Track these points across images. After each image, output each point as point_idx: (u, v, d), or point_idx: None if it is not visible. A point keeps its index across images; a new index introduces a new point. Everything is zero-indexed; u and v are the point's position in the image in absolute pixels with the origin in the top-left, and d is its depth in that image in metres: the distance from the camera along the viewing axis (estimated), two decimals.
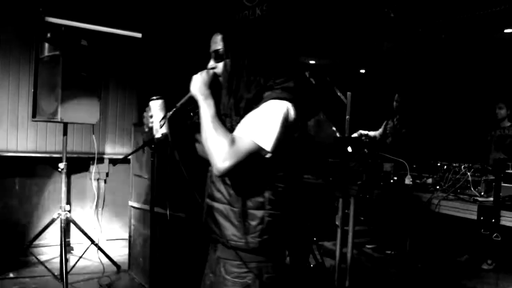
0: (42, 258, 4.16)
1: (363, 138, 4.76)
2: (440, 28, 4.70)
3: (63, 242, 3.55)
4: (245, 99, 1.49)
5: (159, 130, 1.57)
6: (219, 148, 1.40)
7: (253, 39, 1.57)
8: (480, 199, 2.75)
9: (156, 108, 1.58)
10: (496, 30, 4.68)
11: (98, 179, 4.71)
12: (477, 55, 5.41)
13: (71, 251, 4.43)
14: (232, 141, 1.41)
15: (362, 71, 7.08)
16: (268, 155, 1.45)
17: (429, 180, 3.22)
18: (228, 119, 1.53)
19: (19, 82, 4.38)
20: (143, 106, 1.64)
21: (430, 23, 4.60)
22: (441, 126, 5.54)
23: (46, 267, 3.85)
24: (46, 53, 3.59)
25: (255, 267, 1.52)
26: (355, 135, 4.86)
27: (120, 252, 4.42)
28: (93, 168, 4.61)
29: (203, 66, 1.60)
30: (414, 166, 3.43)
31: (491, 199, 2.68)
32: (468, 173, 2.91)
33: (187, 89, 1.54)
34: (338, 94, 4.37)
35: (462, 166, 2.96)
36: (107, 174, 4.84)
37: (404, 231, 4.42)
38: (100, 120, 4.01)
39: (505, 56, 5.20)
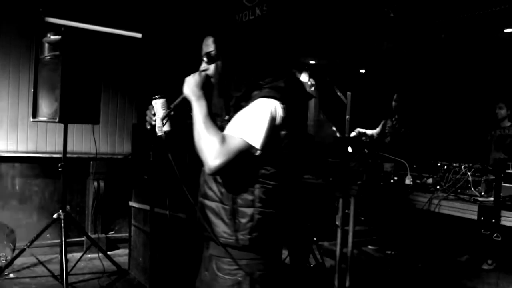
0: (42, 258, 4.16)
1: (363, 137, 4.76)
2: (440, 28, 4.70)
3: (63, 242, 3.54)
4: (235, 97, 1.53)
5: (161, 128, 1.60)
6: (210, 147, 1.44)
7: (244, 41, 1.61)
8: (480, 199, 2.76)
9: (158, 107, 1.61)
10: (496, 30, 4.67)
11: (98, 179, 4.70)
12: (477, 55, 5.40)
13: (71, 252, 4.43)
14: (223, 140, 1.44)
15: (362, 71, 7.07)
16: (257, 153, 1.47)
17: (429, 180, 3.23)
18: (219, 118, 1.57)
19: (19, 82, 4.39)
20: (143, 106, 1.65)
21: (430, 23, 4.60)
22: (441, 126, 5.55)
23: (46, 267, 3.85)
24: (46, 53, 3.58)
25: (246, 264, 1.54)
26: (353, 133, 4.87)
27: (120, 252, 4.42)
28: (93, 168, 4.61)
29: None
30: (414, 166, 3.43)
31: (492, 199, 2.69)
32: (468, 173, 2.92)
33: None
34: (338, 94, 4.37)
35: (462, 166, 2.97)
36: (107, 174, 4.84)
37: (404, 231, 4.42)
38: (100, 120, 4.01)
39: (505, 56, 5.20)
